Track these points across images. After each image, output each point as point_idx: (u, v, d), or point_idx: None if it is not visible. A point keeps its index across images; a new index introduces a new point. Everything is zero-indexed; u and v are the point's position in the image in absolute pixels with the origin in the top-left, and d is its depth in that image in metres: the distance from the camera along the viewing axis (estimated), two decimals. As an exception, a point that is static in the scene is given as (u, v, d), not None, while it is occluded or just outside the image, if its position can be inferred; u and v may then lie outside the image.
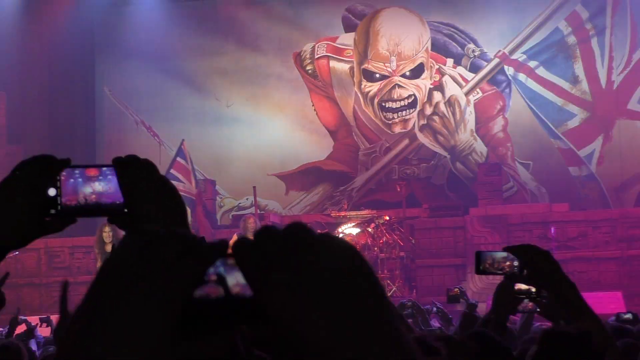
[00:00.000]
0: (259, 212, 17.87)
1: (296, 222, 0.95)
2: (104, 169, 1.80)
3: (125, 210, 1.80)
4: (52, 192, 1.77)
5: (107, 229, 14.12)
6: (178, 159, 18.53)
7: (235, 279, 0.92)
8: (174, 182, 17.46)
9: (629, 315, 6.74)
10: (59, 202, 1.78)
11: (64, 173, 1.79)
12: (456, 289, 7.83)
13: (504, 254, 2.48)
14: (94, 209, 1.82)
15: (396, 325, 0.90)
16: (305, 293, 0.89)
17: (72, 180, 1.79)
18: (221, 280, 0.92)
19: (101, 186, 1.80)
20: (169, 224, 1.76)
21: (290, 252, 0.90)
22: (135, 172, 1.78)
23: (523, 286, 3.12)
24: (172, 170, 18.46)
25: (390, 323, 0.89)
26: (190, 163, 18.61)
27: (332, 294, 0.89)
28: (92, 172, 1.81)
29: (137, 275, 0.91)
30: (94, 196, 1.80)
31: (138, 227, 0.99)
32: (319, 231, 0.95)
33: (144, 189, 1.77)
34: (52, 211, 1.78)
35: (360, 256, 0.93)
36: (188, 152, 18.68)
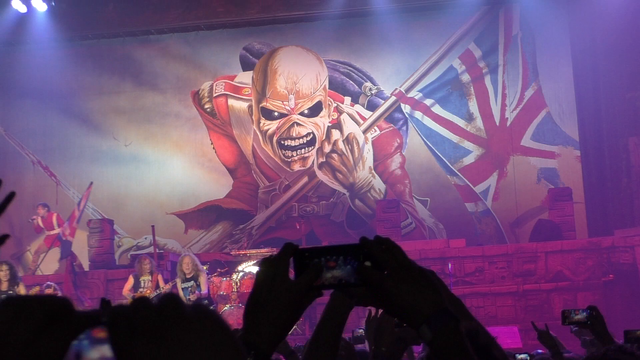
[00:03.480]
0: (157, 251, 17.68)
1: (170, 294, 0.94)
2: None
3: None
4: None
5: (4, 267, 13.88)
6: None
7: (100, 352, 0.89)
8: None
9: (524, 356, 6.71)
10: None
11: None
12: (361, 330, 7.82)
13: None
14: None
15: None
16: None
17: None
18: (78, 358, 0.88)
19: None
20: None
21: (160, 326, 0.89)
22: None
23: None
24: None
25: None
26: (82, 207, 18.25)
27: None
28: None
29: (2, 344, 0.89)
30: None
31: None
32: (190, 304, 0.95)
33: None
34: None
35: (227, 333, 0.93)
36: (88, 195, 18.35)
